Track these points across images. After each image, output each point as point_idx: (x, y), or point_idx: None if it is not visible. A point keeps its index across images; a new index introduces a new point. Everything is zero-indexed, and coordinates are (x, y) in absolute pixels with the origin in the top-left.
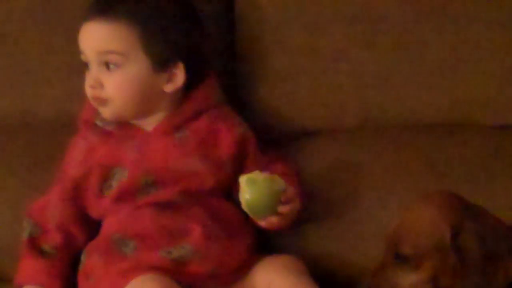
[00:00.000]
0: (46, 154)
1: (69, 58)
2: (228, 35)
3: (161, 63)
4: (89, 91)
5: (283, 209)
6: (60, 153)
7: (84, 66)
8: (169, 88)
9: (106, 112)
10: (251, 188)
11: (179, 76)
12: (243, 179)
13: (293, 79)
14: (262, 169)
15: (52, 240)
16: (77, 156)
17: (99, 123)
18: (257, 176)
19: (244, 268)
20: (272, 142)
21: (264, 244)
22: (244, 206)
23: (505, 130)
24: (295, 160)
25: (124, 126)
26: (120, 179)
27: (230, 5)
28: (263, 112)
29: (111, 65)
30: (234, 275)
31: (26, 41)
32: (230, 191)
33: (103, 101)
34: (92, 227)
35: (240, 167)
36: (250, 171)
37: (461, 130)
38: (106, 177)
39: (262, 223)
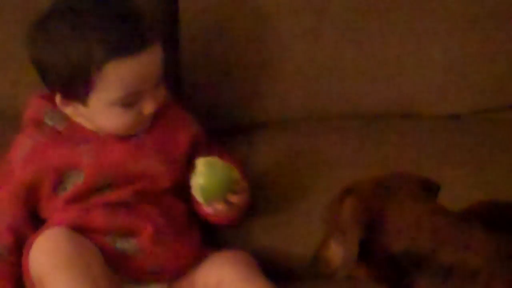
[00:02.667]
0: None
1: (12, 50)
2: (172, 27)
3: None
4: (147, 119)
5: (233, 198)
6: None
7: (124, 105)
8: None
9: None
10: (209, 171)
11: None
12: (200, 162)
13: (238, 70)
14: None
15: (3, 240)
16: (24, 156)
17: (49, 122)
18: (216, 160)
19: (190, 266)
20: (218, 134)
21: (211, 239)
22: (196, 189)
23: (450, 120)
24: (241, 152)
25: (75, 128)
26: (75, 182)
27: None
28: (209, 104)
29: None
30: (178, 272)
31: None
32: (182, 188)
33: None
34: (40, 225)
35: (191, 162)
36: None
37: (407, 120)
38: (60, 179)
39: (209, 209)
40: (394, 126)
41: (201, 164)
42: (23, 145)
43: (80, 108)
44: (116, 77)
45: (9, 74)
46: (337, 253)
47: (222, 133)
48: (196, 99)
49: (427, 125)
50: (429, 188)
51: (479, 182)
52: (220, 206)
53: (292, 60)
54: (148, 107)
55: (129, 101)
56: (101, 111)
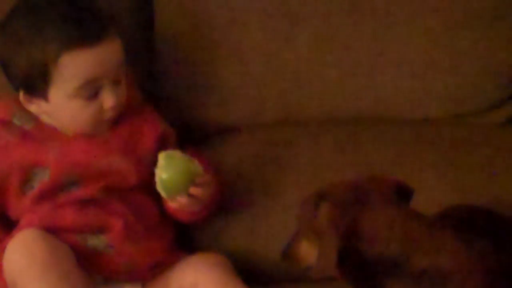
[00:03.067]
0: None
1: None
2: (146, 30)
3: None
4: (109, 113)
5: (194, 191)
6: None
7: (84, 97)
8: None
9: (108, 125)
10: (168, 164)
11: None
12: (161, 155)
13: (212, 73)
14: None
15: None
16: None
17: (16, 122)
18: (176, 153)
19: (163, 265)
20: (192, 138)
21: (185, 242)
22: (158, 182)
23: (424, 124)
24: (215, 155)
25: (43, 127)
26: (41, 179)
27: (148, 2)
28: (182, 108)
29: (120, 79)
30: (151, 271)
31: None
32: (151, 186)
33: (115, 116)
34: (11, 227)
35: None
36: None
37: (381, 124)
38: (26, 177)
39: (173, 204)
40: (369, 130)
41: (162, 158)
42: None
43: (43, 104)
44: (72, 68)
45: None
46: (308, 252)
47: (196, 136)
48: (169, 103)
49: (402, 129)
50: (403, 192)
51: (453, 186)
52: (182, 200)
53: (266, 64)
54: (108, 101)
55: (87, 93)
56: (62, 105)
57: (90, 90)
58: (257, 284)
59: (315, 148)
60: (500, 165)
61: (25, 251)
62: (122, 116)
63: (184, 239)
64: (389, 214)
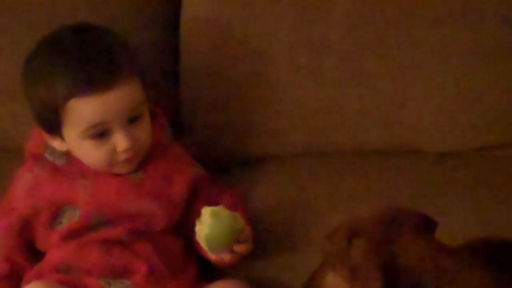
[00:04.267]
0: None
1: (12, 83)
2: (172, 60)
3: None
4: (123, 155)
5: (239, 248)
6: (3, 181)
7: (92, 137)
8: None
9: (132, 166)
10: (214, 222)
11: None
12: (206, 211)
13: (238, 105)
14: (212, 202)
15: None
16: (23, 190)
17: (48, 156)
18: (221, 211)
19: None
20: (217, 169)
21: (207, 270)
22: (201, 238)
23: (448, 157)
24: (240, 187)
25: (74, 163)
26: (71, 217)
27: (174, 30)
28: (207, 139)
29: (137, 117)
30: None
31: None
32: (178, 226)
33: (135, 156)
34: (38, 257)
35: (190, 204)
36: (200, 206)
37: (406, 156)
38: (56, 214)
39: (213, 257)
40: (393, 162)
41: (207, 215)
42: (24, 178)
43: (62, 143)
44: (78, 113)
45: (10, 107)
46: (335, 284)
47: (221, 168)
48: (194, 133)
49: (427, 162)
50: (428, 225)
51: (477, 218)
52: (225, 256)
53: (292, 96)
54: (121, 144)
55: (95, 135)
56: (75, 145)
57: (97, 132)
58: None
59: (339, 179)
60: None
61: None
62: (155, 156)
63: (205, 264)
64: (420, 246)
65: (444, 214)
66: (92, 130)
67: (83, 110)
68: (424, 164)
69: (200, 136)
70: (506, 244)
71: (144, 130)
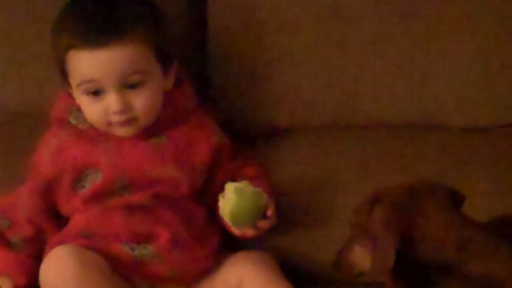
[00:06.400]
0: (15, 147)
1: (38, 50)
2: (200, 34)
3: (167, 66)
4: (115, 117)
5: (262, 224)
6: (29, 147)
7: (86, 93)
8: (168, 86)
9: (130, 131)
10: (238, 199)
11: (172, 74)
12: (230, 188)
13: (264, 77)
14: (235, 174)
15: (22, 232)
16: (49, 154)
17: (73, 120)
18: (246, 187)
19: (209, 270)
20: (242, 140)
21: (231, 240)
22: (225, 214)
23: (474, 132)
24: (265, 158)
25: (98, 128)
26: (93, 181)
27: (202, 4)
28: (234, 110)
29: (135, 84)
30: (198, 277)
31: None
32: (200, 194)
33: (131, 121)
34: (62, 222)
35: (212, 172)
36: (222, 176)
37: (430, 131)
38: (79, 177)
39: (236, 232)
40: (418, 137)
41: (231, 191)
42: (49, 144)
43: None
44: (74, 66)
45: (35, 74)
46: (361, 257)
47: (246, 138)
48: (221, 105)
49: (451, 137)
50: (455, 199)
51: (501, 194)
52: (249, 232)
53: (317, 67)
54: (111, 106)
55: (89, 91)
56: (77, 98)
57: (91, 89)
58: (302, 285)
59: (364, 153)
60: None
61: (58, 268)
62: (179, 122)
63: (228, 236)
64: (444, 218)
65: (471, 189)
66: (85, 86)
67: (77, 64)
68: (450, 139)
69: (226, 106)
70: None
71: (143, 100)
